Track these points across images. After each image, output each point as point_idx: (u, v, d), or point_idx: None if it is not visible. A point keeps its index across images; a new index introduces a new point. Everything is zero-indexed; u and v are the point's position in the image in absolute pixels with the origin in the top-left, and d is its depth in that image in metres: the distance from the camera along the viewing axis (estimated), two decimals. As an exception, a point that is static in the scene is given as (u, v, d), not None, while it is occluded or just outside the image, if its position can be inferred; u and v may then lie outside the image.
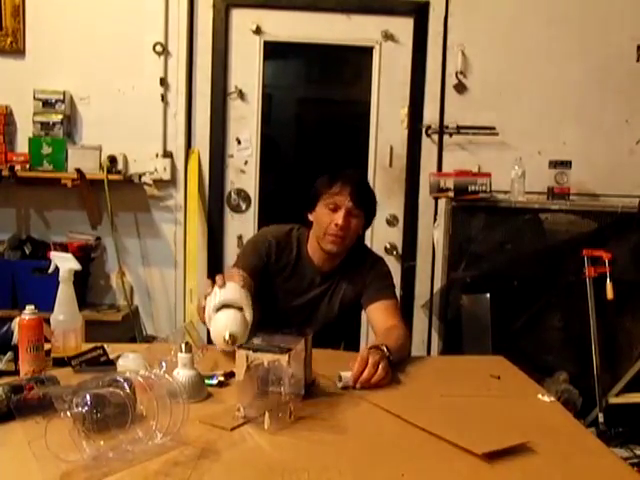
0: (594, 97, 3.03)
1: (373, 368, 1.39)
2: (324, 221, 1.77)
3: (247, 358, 1.20)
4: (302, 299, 1.85)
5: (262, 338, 1.31)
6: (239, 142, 3.07)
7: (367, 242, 3.09)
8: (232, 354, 1.29)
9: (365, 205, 1.79)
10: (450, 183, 2.78)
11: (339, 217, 1.75)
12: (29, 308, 1.41)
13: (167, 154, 2.99)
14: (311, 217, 1.85)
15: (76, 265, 1.59)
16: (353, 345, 2.15)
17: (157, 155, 2.97)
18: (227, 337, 1.16)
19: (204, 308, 1.40)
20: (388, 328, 1.70)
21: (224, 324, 1.19)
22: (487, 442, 1.08)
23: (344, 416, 1.24)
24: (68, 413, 0.98)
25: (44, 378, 1.24)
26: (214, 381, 1.36)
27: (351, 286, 1.86)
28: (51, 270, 1.61)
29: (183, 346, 1.31)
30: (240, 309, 1.27)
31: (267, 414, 1.14)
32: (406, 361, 1.64)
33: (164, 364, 1.31)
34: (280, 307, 1.84)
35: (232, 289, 1.33)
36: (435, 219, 2.93)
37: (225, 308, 1.32)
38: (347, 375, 1.39)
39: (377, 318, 1.78)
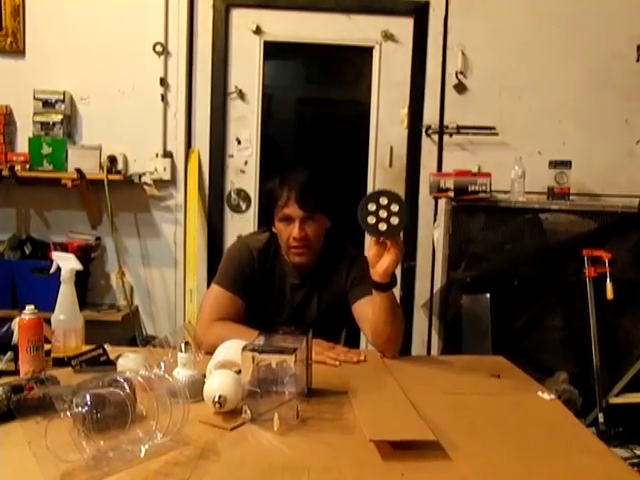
0: (594, 97, 3.03)
1: None
2: (283, 236, 1.73)
3: (253, 359, 1.20)
4: (288, 306, 1.82)
5: (264, 338, 1.31)
6: (239, 142, 3.07)
7: (367, 242, 3.10)
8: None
9: (319, 206, 1.70)
10: (450, 183, 2.78)
11: (294, 229, 1.69)
12: (29, 308, 1.41)
13: (167, 154, 2.99)
14: (274, 230, 1.79)
15: (78, 265, 1.59)
16: (353, 339, 2.14)
17: (157, 155, 2.97)
18: (217, 399, 1.16)
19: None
20: None
21: (217, 385, 1.19)
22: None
23: (347, 415, 1.24)
24: (68, 413, 0.98)
25: (44, 378, 1.24)
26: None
27: (333, 284, 1.83)
28: (53, 270, 1.62)
29: (183, 346, 1.31)
30: (239, 372, 1.26)
31: (276, 415, 1.14)
32: (406, 361, 1.65)
33: (163, 364, 1.31)
34: (269, 318, 1.80)
35: (237, 349, 1.31)
36: (435, 219, 2.93)
37: (225, 367, 1.32)
38: None
39: (367, 312, 1.74)
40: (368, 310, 1.73)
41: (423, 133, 3.03)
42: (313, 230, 1.72)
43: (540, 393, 1.40)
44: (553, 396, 1.39)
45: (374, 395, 1.36)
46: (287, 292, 1.83)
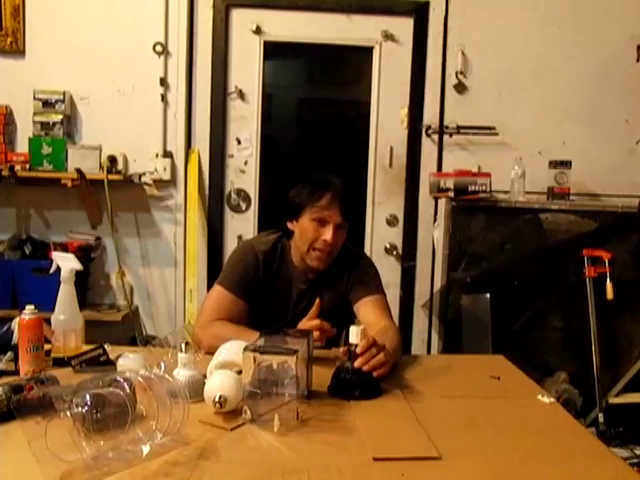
0: (594, 97, 3.03)
1: (376, 350, 1.38)
2: (310, 235, 1.72)
3: (254, 360, 1.20)
4: (292, 310, 1.82)
5: (265, 339, 1.31)
6: (239, 142, 3.07)
7: (367, 242, 3.10)
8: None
9: (350, 217, 1.75)
10: (450, 183, 2.78)
11: (328, 233, 1.69)
12: (29, 308, 1.41)
13: (167, 154, 2.99)
14: (292, 226, 1.79)
15: (78, 265, 1.60)
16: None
17: (157, 155, 2.97)
18: (217, 399, 1.16)
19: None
20: (382, 329, 1.65)
21: (218, 385, 1.20)
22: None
23: (347, 417, 1.24)
24: (68, 413, 0.98)
25: (44, 378, 1.24)
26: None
27: (335, 285, 1.83)
28: (52, 270, 1.62)
29: (183, 346, 1.31)
30: (239, 372, 1.26)
31: (276, 416, 1.14)
32: (406, 361, 1.64)
33: (163, 364, 1.31)
34: (272, 321, 1.78)
35: (238, 350, 1.31)
36: (435, 219, 2.94)
37: (226, 367, 1.32)
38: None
39: (367, 314, 1.74)
40: (368, 311, 1.74)
41: (423, 133, 3.03)
42: (340, 239, 1.74)
43: (540, 397, 1.40)
44: (553, 399, 1.39)
45: (374, 402, 1.34)
46: (293, 296, 1.83)
